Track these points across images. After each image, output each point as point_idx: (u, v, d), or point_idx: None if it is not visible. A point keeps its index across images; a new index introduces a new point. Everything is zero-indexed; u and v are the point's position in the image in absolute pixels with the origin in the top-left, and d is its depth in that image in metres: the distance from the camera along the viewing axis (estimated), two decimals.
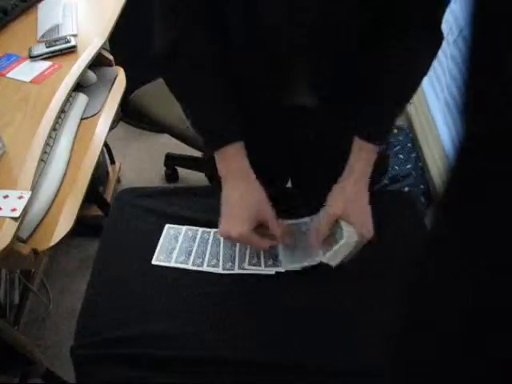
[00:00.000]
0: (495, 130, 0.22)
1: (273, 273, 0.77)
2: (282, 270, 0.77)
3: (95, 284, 0.78)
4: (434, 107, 1.76)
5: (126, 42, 1.66)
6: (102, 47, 1.33)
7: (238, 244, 0.80)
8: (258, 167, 0.76)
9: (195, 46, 0.71)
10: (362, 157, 0.75)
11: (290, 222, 0.83)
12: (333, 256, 0.73)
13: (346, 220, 0.73)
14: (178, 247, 0.80)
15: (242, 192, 0.73)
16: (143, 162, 2.11)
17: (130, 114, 2.17)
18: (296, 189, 1.01)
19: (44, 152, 1.05)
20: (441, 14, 0.69)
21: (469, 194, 0.25)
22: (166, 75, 0.76)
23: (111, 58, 1.45)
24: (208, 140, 0.75)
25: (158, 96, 1.63)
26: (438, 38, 0.71)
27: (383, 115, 0.76)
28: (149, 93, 1.68)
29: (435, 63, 1.83)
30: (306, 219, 0.84)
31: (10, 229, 0.85)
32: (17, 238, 0.88)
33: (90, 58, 1.25)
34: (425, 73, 0.75)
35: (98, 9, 1.45)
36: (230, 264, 0.78)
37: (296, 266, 0.77)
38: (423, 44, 0.71)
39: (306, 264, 0.76)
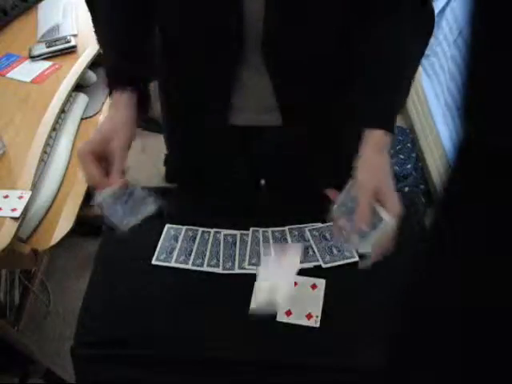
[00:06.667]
0: (495, 130, 0.22)
1: None
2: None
3: (95, 284, 0.78)
4: (434, 107, 1.76)
5: None
6: None
7: (238, 244, 0.80)
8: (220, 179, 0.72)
9: None
10: (368, 142, 0.64)
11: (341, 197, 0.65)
12: (366, 244, 0.60)
13: (381, 197, 0.61)
14: (178, 247, 0.80)
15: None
16: (143, 162, 2.11)
17: None
18: (269, 189, 1.00)
19: (44, 152, 1.05)
20: None
21: (469, 194, 0.25)
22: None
23: None
24: (109, 75, 0.71)
25: (158, 96, 1.63)
26: (429, 14, 0.66)
27: (383, 97, 0.66)
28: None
29: (435, 63, 1.80)
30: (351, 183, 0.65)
31: (10, 229, 0.85)
32: (17, 237, 0.88)
33: (89, 58, 1.25)
34: (421, 53, 0.68)
35: None
36: (230, 264, 0.78)
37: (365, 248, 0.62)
38: (415, 22, 0.66)
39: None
